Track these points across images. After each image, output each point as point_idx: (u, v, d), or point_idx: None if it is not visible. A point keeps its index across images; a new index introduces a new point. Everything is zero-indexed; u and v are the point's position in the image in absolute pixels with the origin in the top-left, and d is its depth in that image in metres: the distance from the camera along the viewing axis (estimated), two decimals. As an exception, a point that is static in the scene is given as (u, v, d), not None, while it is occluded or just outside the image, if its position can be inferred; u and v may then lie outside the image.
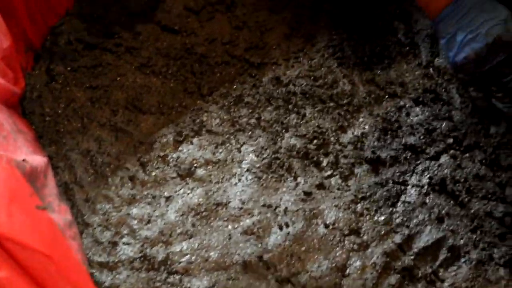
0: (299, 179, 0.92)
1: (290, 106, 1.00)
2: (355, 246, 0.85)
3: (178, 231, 0.86)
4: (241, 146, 0.96)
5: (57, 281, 0.59)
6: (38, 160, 0.82)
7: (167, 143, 0.96)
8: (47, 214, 0.59)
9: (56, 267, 0.58)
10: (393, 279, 0.82)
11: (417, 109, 1.00)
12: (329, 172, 0.93)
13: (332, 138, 0.97)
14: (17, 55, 0.96)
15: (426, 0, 0.92)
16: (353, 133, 0.98)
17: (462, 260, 0.83)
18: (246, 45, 1.09)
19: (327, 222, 0.87)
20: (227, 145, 0.96)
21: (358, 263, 0.83)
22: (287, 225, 0.87)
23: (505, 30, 0.85)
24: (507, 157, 0.93)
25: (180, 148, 0.96)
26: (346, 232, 0.86)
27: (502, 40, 0.85)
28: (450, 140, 0.95)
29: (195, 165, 0.94)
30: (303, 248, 0.85)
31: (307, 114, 0.99)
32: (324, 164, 0.94)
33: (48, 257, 0.57)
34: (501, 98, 0.93)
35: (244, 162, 0.94)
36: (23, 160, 0.76)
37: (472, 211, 0.88)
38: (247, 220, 0.88)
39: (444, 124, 0.97)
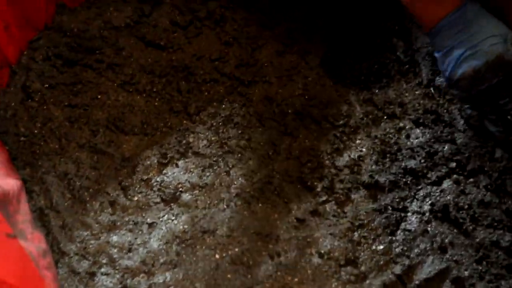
0: (292, 205, 0.91)
1: (282, 127, 1.00)
2: (352, 278, 0.84)
3: (162, 260, 0.85)
4: (230, 169, 0.95)
5: (27, 316, 0.57)
6: (11, 183, 0.80)
7: (150, 165, 0.95)
8: (18, 242, 0.57)
9: (26, 301, 0.56)
10: (393, 313, 0.81)
11: (418, 130, 0.99)
12: (324, 198, 0.92)
13: (327, 161, 0.96)
14: (-11, 71, 0.96)
15: (420, 11, 0.92)
16: (349, 156, 0.97)
17: (467, 293, 0.82)
18: (236, 62, 1.08)
19: (322, 252, 0.86)
20: (215, 168, 0.95)
21: (355, 296, 0.82)
22: (278, 255, 0.86)
23: (506, 49, 0.85)
24: (514, 183, 0.92)
25: (164, 171, 0.94)
26: (342, 262, 0.85)
27: (504, 59, 0.85)
28: (453, 164, 0.94)
29: (180, 189, 0.92)
30: (296, 280, 0.84)
31: (300, 136, 0.98)
32: (319, 189, 0.93)
33: (16, 290, 0.56)
34: (494, 121, 0.92)
35: (233, 186, 0.93)
36: (-7, 183, 0.74)
37: (477, 240, 0.87)
38: (236, 249, 0.86)
39: (446, 147, 0.96)
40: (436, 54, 0.93)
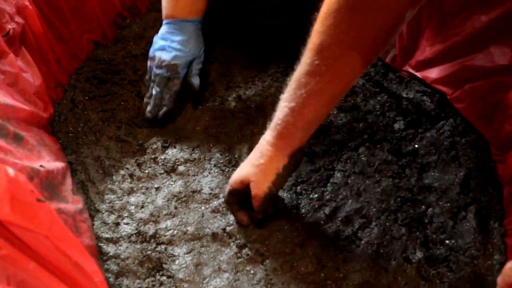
0: (255, 170, 0.87)
1: (247, 117, 0.95)
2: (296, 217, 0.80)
3: (164, 212, 0.81)
4: (211, 148, 0.91)
5: (55, 254, 0.54)
6: (56, 165, 0.77)
7: (157, 148, 0.90)
8: (46, 205, 0.54)
9: (54, 244, 0.54)
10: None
11: (342, 114, 0.94)
12: (278, 164, 0.88)
13: (279, 139, 0.91)
14: (47, 90, 0.92)
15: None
16: (295, 134, 0.92)
17: (374, 223, 0.78)
18: (217, 74, 1.04)
19: (275, 201, 0.82)
20: (200, 148, 0.91)
21: (297, 230, 0.78)
22: (245, 205, 0.82)
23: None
24: (406, 146, 0.87)
25: (166, 152, 0.90)
26: (289, 207, 0.81)
27: None
28: (366, 136, 0.90)
29: (177, 163, 0.88)
30: (258, 218, 0.79)
31: (260, 123, 0.93)
32: (274, 158, 0.89)
33: (45, 237, 0.53)
34: None
35: (212, 160, 0.89)
36: (40, 165, 0.71)
37: (382, 187, 0.82)
38: (215, 202, 0.82)
39: (361, 124, 0.92)
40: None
